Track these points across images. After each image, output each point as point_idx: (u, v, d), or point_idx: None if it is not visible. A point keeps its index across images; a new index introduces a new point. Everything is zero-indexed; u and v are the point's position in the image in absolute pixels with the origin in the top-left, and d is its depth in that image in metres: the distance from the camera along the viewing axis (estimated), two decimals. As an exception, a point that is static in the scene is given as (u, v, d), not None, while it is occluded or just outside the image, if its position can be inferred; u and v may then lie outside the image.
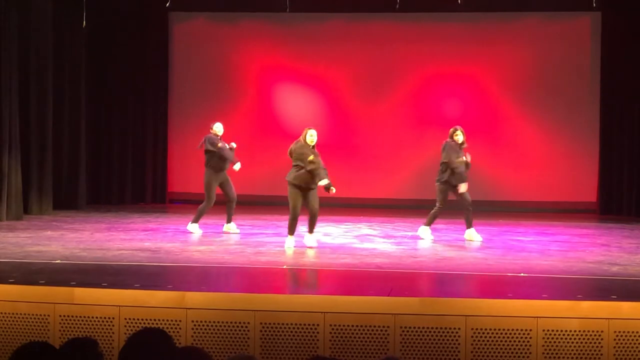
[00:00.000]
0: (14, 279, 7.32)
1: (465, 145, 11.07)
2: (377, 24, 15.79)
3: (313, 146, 10.03)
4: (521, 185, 15.50)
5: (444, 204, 11.10)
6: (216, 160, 11.37)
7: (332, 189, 9.98)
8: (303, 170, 9.89)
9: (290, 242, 10.07)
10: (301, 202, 9.98)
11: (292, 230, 10.10)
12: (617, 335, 6.40)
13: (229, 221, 11.52)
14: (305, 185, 9.93)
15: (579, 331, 6.43)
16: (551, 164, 15.45)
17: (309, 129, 10.11)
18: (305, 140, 10.01)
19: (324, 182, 9.88)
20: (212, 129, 11.53)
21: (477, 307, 6.55)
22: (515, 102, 15.58)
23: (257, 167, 15.17)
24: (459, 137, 11.03)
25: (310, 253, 9.70)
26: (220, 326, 6.59)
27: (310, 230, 10.12)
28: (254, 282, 7.99)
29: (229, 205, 11.47)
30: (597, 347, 6.41)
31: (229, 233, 11.38)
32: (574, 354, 6.41)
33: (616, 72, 14.88)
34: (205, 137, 11.47)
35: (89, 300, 6.74)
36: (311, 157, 9.86)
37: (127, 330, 6.55)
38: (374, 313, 6.54)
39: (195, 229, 11.36)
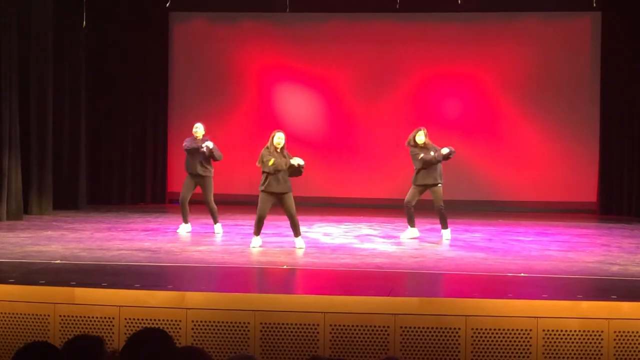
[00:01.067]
0: (14, 279, 7.33)
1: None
2: (377, 24, 15.80)
3: (281, 148, 9.97)
4: (521, 185, 15.50)
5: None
6: (187, 162, 11.38)
7: (298, 163, 9.88)
8: (271, 177, 9.87)
9: (255, 242, 10.06)
10: (270, 206, 10.01)
11: (257, 230, 10.08)
12: (617, 335, 6.40)
13: (214, 222, 11.49)
14: (277, 191, 9.91)
15: (579, 331, 6.43)
16: (551, 164, 15.45)
17: (276, 131, 10.11)
18: (272, 143, 9.98)
19: (295, 160, 9.85)
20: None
21: (477, 307, 6.55)
22: (515, 102, 15.58)
23: (257, 167, 15.16)
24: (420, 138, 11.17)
25: (310, 253, 9.69)
26: (220, 326, 6.59)
27: (296, 234, 10.10)
28: (254, 282, 7.99)
29: (208, 209, 11.45)
30: (597, 347, 6.41)
31: (218, 233, 11.37)
32: (574, 354, 6.41)
33: (616, 72, 14.88)
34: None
35: (89, 300, 6.74)
36: (272, 161, 9.84)
37: (127, 330, 6.55)
38: (374, 313, 6.54)
39: (181, 229, 11.41)
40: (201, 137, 11.45)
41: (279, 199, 9.94)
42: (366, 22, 15.87)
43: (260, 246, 10.00)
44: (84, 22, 14.15)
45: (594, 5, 13.58)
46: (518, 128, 15.62)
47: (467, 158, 14.91)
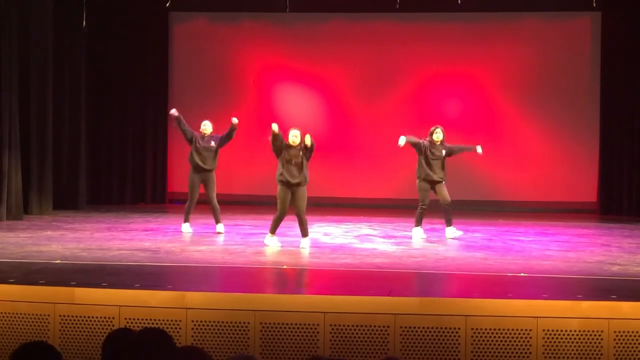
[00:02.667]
0: (14, 279, 7.32)
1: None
2: (377, 24, 15.79)
3: (299, 145, 9.97)
4: (521, 185, 15.50)
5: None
6: (191, 157, 11.36)
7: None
8: (284, 167, 9.90)
9: (270, 240, 10.07)
10: (289, 200, 9.99)
11: (274, 229, 10.11)
12: (617, 335, 6.40)
13: (216, 222, 11.46)
14: (291, 180, 9.90)
15: (579, 331, 6.42)
16: (551, 164, 15.45)
17: (290, 129, 10.11)
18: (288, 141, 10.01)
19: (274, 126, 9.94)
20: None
21: (477, 307, 6.55)
22: (515, 102, 15.59)
23: (257, 167, 15.19)
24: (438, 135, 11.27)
25: (310, 253, 9.68)
26: (220, 326, 6.59)
27: (303, 234, 10.09)
28: (254, 282, 7.99)
29: (211, 208, 11.44)
30: (597, 347, 6.41)
31: (220, 233, 11.35)
32: (574, 354, 6.41)
33: (616, 72, 14.88)
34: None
35: (89, 300, 6.74)
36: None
37: (127, 330, 6.55)
38: (374, 313, 6.54)
39: (186, 229, 11.37)
40: (208, 134, 11.46)
41: (293, 191, 9.97)
42: (366, 22, 15.86)
43: (274, 245, 10.04)
44: (84, 22, 14.15)
45: (594, 5, 13.58)
46: (518, 128, 15.62)
47: (467, 158, 14.87)
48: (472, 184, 15.33)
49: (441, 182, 11.22)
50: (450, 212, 11.24)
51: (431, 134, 11.30)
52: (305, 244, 10.01)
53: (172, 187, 16.15)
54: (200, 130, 11.53)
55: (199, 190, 11.44)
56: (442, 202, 11.21)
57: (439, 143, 11.25)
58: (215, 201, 11.34)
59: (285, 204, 10.00)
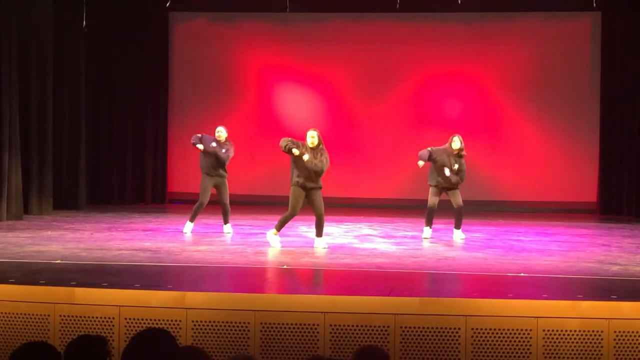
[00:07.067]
0: (14, 279, 7.32)
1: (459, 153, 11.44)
2: (377, 24, 15.80)
3: (317, 147, 9.95)
4: (521, 185, 15.50)
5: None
6: (206, 163, 11.32)
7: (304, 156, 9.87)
8: (303, 172, 9.84)
9: (274, 238, 10.05)
10: (302, 202, 9.94)
11: (280, 227, 10.07)
12: (617, 335, 6.40)
13: (225, 223, 11.47)
14: (308, 184, 9.88)
15: (579, 331, 6.43)
16: (551, 164, 15.45)
17: (309, 130, 10.11)
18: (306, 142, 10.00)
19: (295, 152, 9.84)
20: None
21: (477, 307, 6.55)
22: (515, 102, 15.59)
23: (257, 167, 15.19)
24: (455, 144, 11.35)
25: (310, 253, 9.68)
26: (220, 326, 6.59)
27: (319, 234, 10.07)
28: (254, 282, 7.99)
29: (222, 208, 11.43)
30: (597, 347, 6.41)
31: (228, 233, 11.38)
32: (574, 354, 6.41)
33: (616, 72, 14.88)
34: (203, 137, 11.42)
35: (89, 300, 6.74)
36: (307, 157, 9.78)
37: (128, 330, 6.55)
38: (374, 313, 6.54)
39: (188, 229, 11.34)
40: (224, 140, 11.41)
41: (308, 193, 9.90)
42: (366, 22, 15.87)
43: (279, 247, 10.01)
44: (84, 22, 14.15)
45: (594, 5, 13.59)
46: (518, 128, 15.63)
47: (467, 158, 14.87)
48: (472, 184, 15.30)
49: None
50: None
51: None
52: (321, 244, 10.02)
53: (172, 187, 16.16)
54: (221, 138, 11.41)
55: (208, 192, 11.45)
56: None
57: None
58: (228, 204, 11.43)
59: (298, 205, 9.95)
